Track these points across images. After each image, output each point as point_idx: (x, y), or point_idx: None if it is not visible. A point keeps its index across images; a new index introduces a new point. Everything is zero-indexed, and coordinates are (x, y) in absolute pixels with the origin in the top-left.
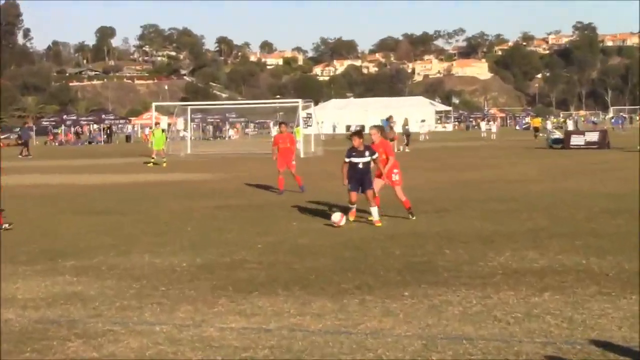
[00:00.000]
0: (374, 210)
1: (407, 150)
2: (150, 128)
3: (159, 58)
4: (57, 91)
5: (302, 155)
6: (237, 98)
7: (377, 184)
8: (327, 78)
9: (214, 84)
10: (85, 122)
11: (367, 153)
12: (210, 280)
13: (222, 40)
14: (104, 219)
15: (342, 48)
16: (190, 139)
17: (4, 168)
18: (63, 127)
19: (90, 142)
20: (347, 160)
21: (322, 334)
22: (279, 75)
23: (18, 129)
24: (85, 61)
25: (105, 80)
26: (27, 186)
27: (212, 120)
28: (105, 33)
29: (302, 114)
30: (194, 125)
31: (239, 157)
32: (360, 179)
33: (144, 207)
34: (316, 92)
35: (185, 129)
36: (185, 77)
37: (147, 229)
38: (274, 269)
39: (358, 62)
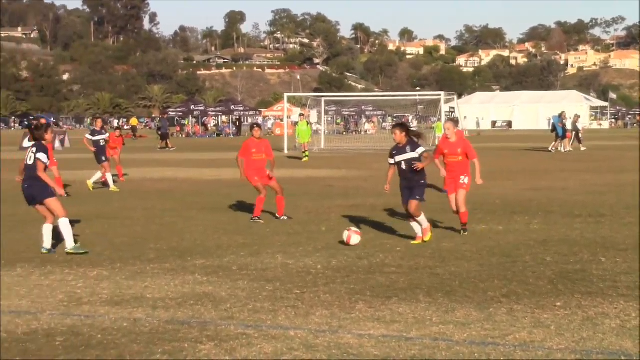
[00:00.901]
0: (416, 223)
1: (569, 149)
2: (281, 120)
3: (291, 46)
4: (184, 80)
5: None
6: (374, 89)
7: (453, 198)
8: (471, 69)
9: (349, 74)
10: (213, 113)
11: (408, 148)
12: (347, 284)
13: (358, 27)
14: (234, 216)
15: (488, 37)
16: (324, 132)
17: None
18: (190, 118)
19: (218, 135)
20: (390, 162)
21: (467, 345)
22: (419, 66)
23: (158, 120)
24: (213, 48)
25: (234, 68)
26: (153, 180)
27: (347, 113)
28: (235, 18)
29: (444, 107)
30: (328, 118)
31: (376, 153)
32: (409, 186)
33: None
34: (459, 85)
35: (318, 122)
36: (318, 66)
37: (279, 228)
38: (415, 274)
39: (505, 53)
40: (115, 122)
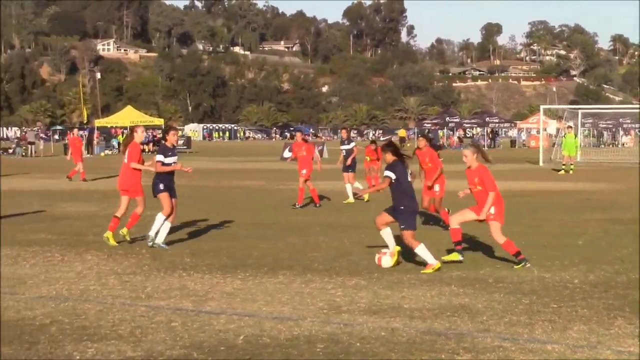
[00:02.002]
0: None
1: None
2: (537, 132)
3: (547, 57)
4: (440, 92)
5: None
6: (632, 102)
7: (465, 215)
8: None
9: (607, 86)
10: (467, 125)
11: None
12: (604, 299)
13: (617, 39)
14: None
15: None
16: (581, 145)
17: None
18: (445, 129)
19: None
20: None
21: None
22: None
23: (427, 131)
24: (469, 60)
25: (489, 80)
26: None
27: (604, 125)
28: (492, 30)
29: None
30: (585, 131)
31: (633, 166)
32: (393, 206)
33: (529, 217)
34: None
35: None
36: (575, 78)
37: (534, 240)
38: None
39: None
40: (371, 134)
